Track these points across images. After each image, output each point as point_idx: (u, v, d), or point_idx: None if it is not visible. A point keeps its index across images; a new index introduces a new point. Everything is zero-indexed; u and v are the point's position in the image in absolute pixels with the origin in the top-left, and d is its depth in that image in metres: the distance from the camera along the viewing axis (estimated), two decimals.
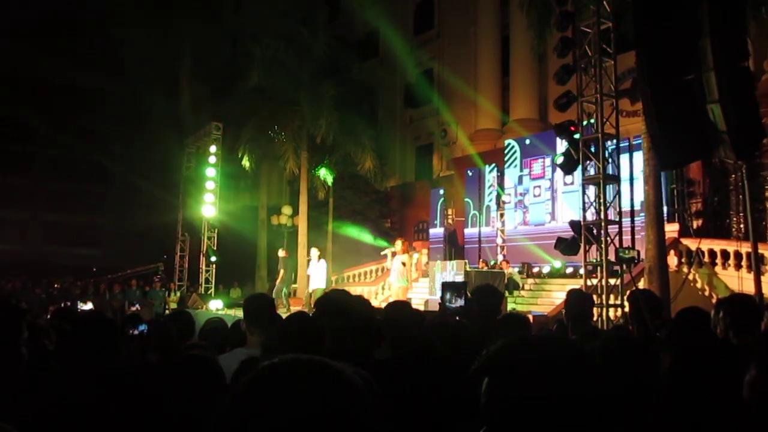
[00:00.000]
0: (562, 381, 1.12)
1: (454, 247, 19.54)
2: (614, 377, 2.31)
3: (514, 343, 1.21)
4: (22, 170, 37.22)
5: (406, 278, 13.76)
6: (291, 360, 0.94)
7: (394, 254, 13.54)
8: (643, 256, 10.35)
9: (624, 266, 8.95)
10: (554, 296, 14.33)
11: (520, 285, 15.40)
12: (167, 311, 17.49)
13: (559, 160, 10.16)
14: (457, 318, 5.53)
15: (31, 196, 38.19)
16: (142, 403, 1.72)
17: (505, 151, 18.68)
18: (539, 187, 17.51)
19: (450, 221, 20.01)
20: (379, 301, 16.15)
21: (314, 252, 15.04)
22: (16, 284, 20.41)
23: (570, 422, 1.09)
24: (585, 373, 1.15)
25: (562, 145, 15.43)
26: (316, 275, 14.73)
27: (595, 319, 8.49)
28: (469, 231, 19.58)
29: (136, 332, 3.37)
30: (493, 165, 19.18)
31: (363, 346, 3.57)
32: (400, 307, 4.36)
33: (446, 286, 6.61)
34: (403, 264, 13.30)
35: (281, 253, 15.99)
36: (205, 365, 1.90)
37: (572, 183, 15.56)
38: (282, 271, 15.41)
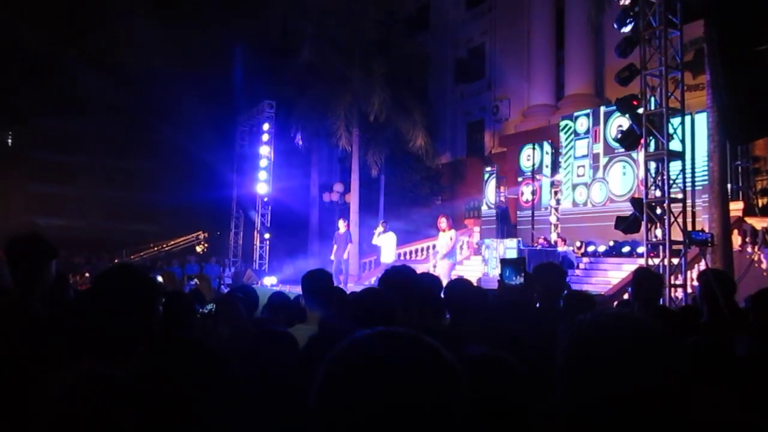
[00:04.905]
0: (647, 360, 1.07)
1: (506, 225, 19.33)
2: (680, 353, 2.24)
3: (588, 326, 1.16)
4: (81, 149, 38.44)
5: (456, 255, 13.74)
6: (384, 333, 0.93)
7: (444, 230, 13.43)
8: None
9: (691, 246, 8.66)
10: (609, 275, 14.06)
11: (575, 264, 15.17)
12: (222, 286, 17.91)
13: (619, 135, 9.87)
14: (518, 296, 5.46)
15: (90, 173, 39.49)
16: (224, 377, 1.74)
17: (561, 130, 18.25)
18: (590, 165, 17.11)
19: (502, 199, 19.78)
20: None
21: (382, 224, 15.24)
22: (81, 259, 21.22)
23: (649, 398, 1.05)
24: (667, 353, 1.10)
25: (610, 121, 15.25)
26: (386, 249, 14.93)
27: None
28: (522, 209, 19.31)
29: (205, 311, 3.42)
30: (548, 141, 18.80)
31: (425, 321, 3.56)
32: (462, 284, 4.32)
33: (505, 263, 6.53)
34: (451, 239, 13.28)
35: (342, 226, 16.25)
36: (283, 339, 1.91)
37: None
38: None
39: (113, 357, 1.83)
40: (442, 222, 13.37)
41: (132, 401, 1.65)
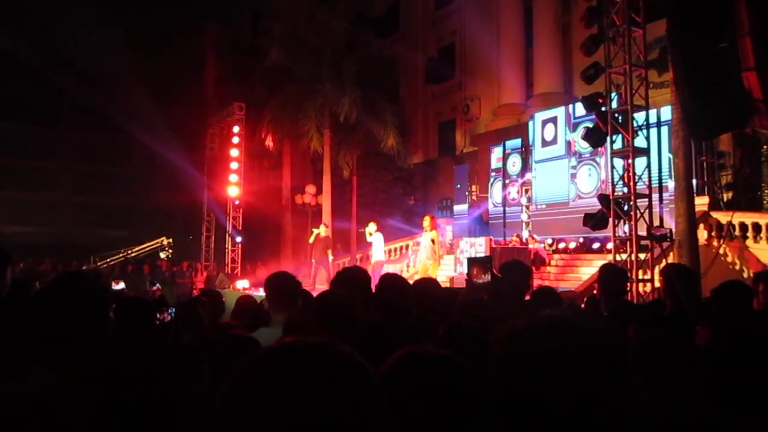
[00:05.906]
0: (572, 370, 1.03)
1: (478, 224, 19.43)
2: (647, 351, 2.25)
3: (519, 330, 1.11)
4: (50, 154, 37.79)
5: (437, 255, 13.66)
6: (293, 344, 0.90)
7: (426, 230, 13.40)
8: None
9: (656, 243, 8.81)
10: (581, 272, 14.19)
11: (546, 261, 15.29)
12: (194, 291, 17.72)
13: (584, 133, 9.99)
14: (486, 294, 5.48)
15: (59, 178, 38.83)
16: (183, 383, 1.71)
17: (532, 129, 18.37)
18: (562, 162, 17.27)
19: (474, 198, 19.87)
20: None
21: (372, 226, 15.16)
22: (48, 266, 20.78)
23: (579, 413, 1.01)
24: (599, 363, 1.05)
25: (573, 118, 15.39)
26: (376, 247, 14.90)
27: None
28: (494, 207, 19.41)
29: (167, 317, 3.33)
30: (518, 139, 18.93)
31: (385, 320, 3.52)
32: (428, 284, 4.32)
33: (472, 262, 6.57)
34: (432, 241, 13.19)
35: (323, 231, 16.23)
36: (246, 344, 1.89)
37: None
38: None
39: (65, 364, 1.79)
40: (426, 221, 13.33)
41: (83, 408, 1.61)
